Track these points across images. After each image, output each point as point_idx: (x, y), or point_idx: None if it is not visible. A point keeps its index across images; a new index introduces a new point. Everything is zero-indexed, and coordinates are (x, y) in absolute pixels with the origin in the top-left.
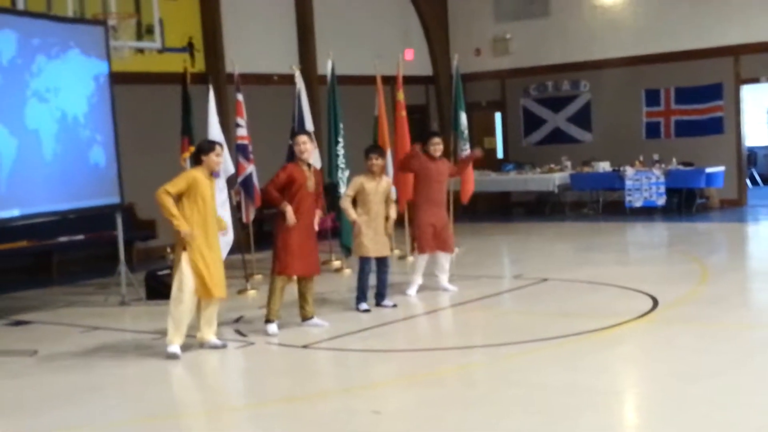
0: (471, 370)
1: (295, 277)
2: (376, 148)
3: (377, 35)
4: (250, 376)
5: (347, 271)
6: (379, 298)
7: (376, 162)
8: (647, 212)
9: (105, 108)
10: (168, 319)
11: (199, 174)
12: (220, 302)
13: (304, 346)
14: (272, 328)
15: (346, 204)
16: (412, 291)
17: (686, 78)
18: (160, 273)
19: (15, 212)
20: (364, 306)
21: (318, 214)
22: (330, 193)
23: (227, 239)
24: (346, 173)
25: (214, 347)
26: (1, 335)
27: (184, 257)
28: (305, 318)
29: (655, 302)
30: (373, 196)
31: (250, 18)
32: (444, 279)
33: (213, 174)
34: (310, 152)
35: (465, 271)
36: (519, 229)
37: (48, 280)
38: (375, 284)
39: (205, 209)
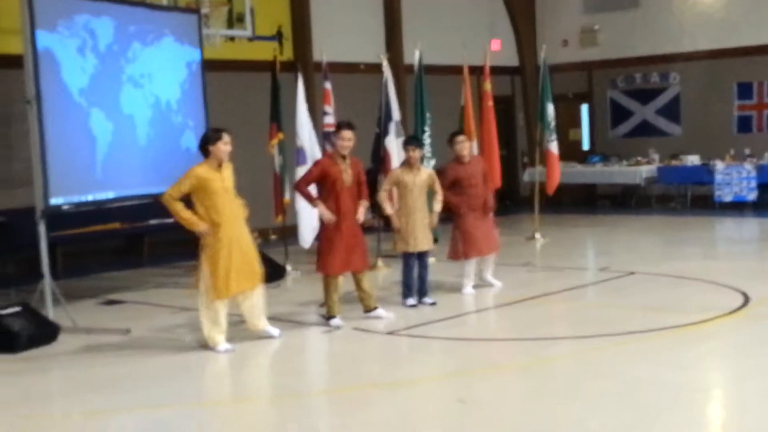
0: (556, 361)
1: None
2: (413, 140)
3: (464, 25)
4: (335, 361)
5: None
6: (419, 294)
7: (413, 154)
8: (737, 207)
9: (197, 94)
10: (203, 322)
11: (202, 170)
12: (258, 291)
13: (390, 333)
14: (335, 321)
15: (382, 198)
16: (469, 290)
17: None
18: None
19: (110, 194)
20: (410, 301)
21: (363, 205)
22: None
23: (313, 225)
24: (432, 162)
25: (268, 334)
26: (95, 314)
27: (204, 258)
28: (367, 310)
29: (746, 298)
30: (410, 189)
31: (339, 7)
32: (488, 272)
33: (298, 161)
34: (349, 149)
35: (549, 263)
36: (604, 222)
37: (139, 262)
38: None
39: (217, 203)
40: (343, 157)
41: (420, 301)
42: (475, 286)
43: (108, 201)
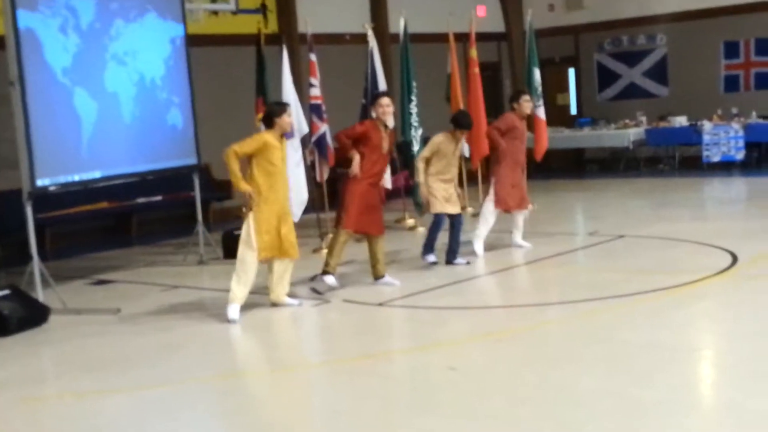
0: (548, 327)
1: (362, 237)
2: (466, 117)
3: None
4: (326, 334)
5: (420, 230)
6: (451, 255)
7: (461, 136)
8: (725, 167)
9: (181, 70)
10: (233, 276)
11: (270, 138)
12: (292, 263)
13: (380, 304)
14: (330, 279)
15: (420, 165)
16: (479, 247)
17: (767, 29)
18: (237, 232)
19: (96, 174)
20: (431, 258)
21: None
22: (403, 151)
23: (302, 198)
24: (419, 131)
25: (290, 305)
26: (85, 294)
27: (251, 217)
28: (377, 277)
29: (735, 258)
30: (450, 157)
31: None
32: (518, 236)
33: (286, 135)
34: (391, 114)
35: (539, 228)
36: (593, 186)
37: (128, 240)
38: (447, 242)
39: (274, 172)
40: (385, 126)
41: (453, 262)
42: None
43: (95, 180)
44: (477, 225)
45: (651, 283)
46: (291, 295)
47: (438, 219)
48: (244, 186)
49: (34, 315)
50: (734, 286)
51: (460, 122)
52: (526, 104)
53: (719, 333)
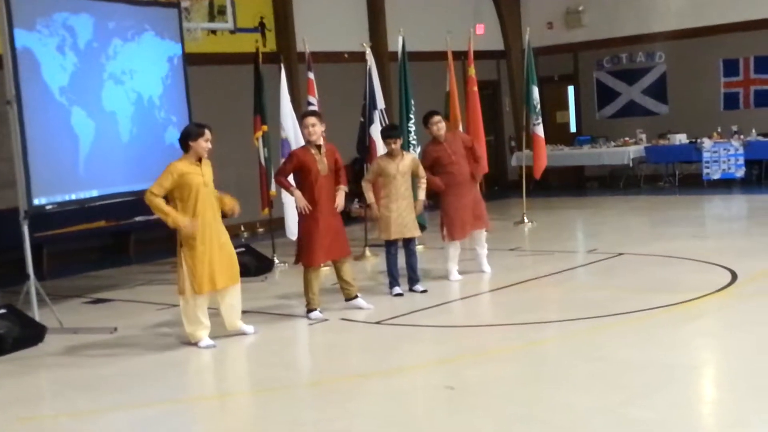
0: (546, 345)
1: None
2: (390, 131)
3: (448, 10)
4: (323, 352)
5: (419, 248)
6: (410, 282)
7: (394, 146)
8: (726, 184)
9: (179, 89)
10: (183, 317)
11: (182, 164)
12: (237, 288)
13: (378, 322)
14: (315, 314)
15: (365, 187)
16: (455, 276)
17: (766, 46)
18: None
19: (93, 193)
20: (397, 290)
21: (341, 191)
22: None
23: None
24: (418, 149)
25: (244, 333)
26: (82, 313)
27: (183, 255)
28: (348, 298)
29: (734, 276)
30: (394, 177)
31: None
32: (482, 255)
33: (283, 152)
34: (318, 134)
35: (538, 246)
36: (593, 204)
37: (125, 259)
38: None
39: (196, 199)
40: (318, 147)
41: (411, 289)
42: (465, 272)
43: (92, 199)
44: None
45: (650, 301)
46: (282, 313)
47: (388, 248)
48: (182, 219)
49: (30, 334)
50: (734, 304)
51: (385, 134)
52: (434, 126)
53: (718, 351)
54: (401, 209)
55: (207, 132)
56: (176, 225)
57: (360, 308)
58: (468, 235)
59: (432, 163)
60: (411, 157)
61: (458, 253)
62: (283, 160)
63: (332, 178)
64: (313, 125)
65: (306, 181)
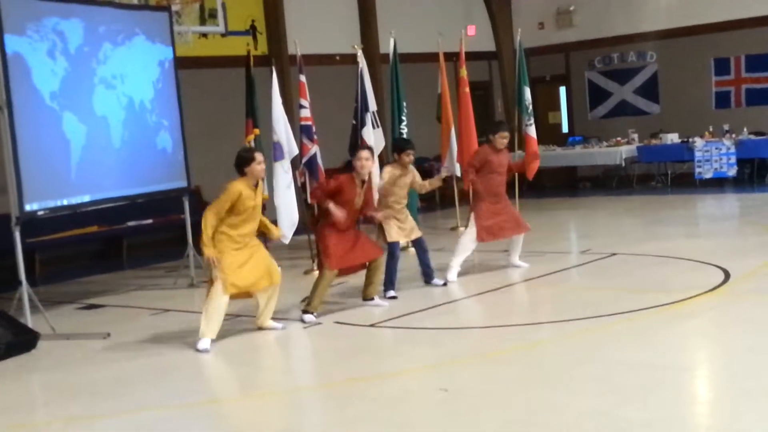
0: (540, 347)
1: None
2: (408, 143)
3: (439, 12)
4: (318, 356)
5: (411, 251)
6: (427, 278)
7: (409, 159)
8: (718, 184)
9: (171, 93)
10: (202, 314)
11: (242, 186)
12: (276, 288)
13: (372, 325)
14: (309, 317)
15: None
16: (453, 276)
17: (757, 45)
18: None
19: (85, 198)
20: (390, 293)
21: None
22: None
23: (292, 220)
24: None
25: (274, 329)
26: (74, 319)
27: (216, 257)
28: (367, 297)
29: (727, 275)
30: (402, 186)
31: None
32: (515, 256)
33: (275, 156)
34: (369, 169)
35: (532, 247)
36: (586, 204)
37: (118, 264)
38: (420, 267)
39: (246, 220)
40: (362, 182)
41: (430, 283)
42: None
43: (84, 204)
44: (454, 254)
45: (643, 301)
46: (275, 317)
47: (392, 249)
48: (210, 251)
49: (22, 340)
50: (727, 303)
51: (405, 146)
52: (500, 140)
53: (712, 351)
54: (406, 214)
55: (258, 155)
56: (204, 250)
57: (378, 306)
58: (497, 238)
59: (482, 164)
60: (414, 171)
61: (464, 256)
62: (278, 164)
63: (357, 213)
64: (367, 159)
65: (338, 205)
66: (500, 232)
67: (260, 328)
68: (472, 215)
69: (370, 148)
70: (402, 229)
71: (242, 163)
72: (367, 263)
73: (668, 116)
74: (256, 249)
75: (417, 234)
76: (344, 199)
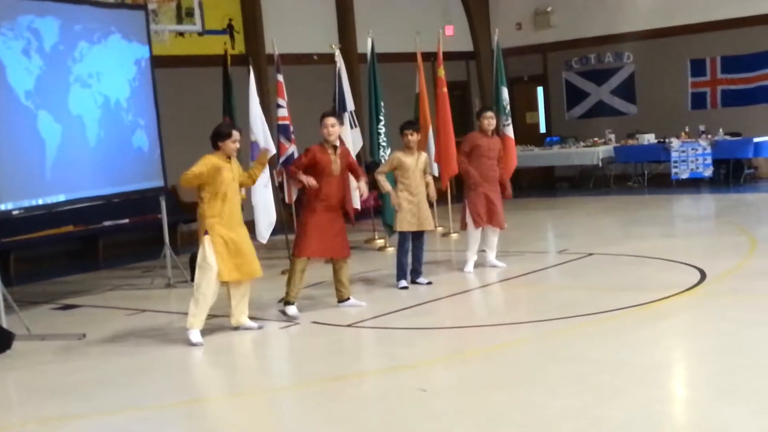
0: (517, 346)
1: (323, 260)
2: (411, 123)
3: (417, 12)
4: (295, 356)
5: (390, 250)
6: (414, 274)
7: (412, 138)
8: (694, 184)
9: (147, 92)
10: (191, 302)
11: (216, 159)
12: (249, 283)
13: (349, 325)
14: (292, 309)
15: (381, 177)
16: (469, 268)
17: (733, 47)
18: None
19: (61, 197)
20: (402, 283)
21: (361, 188)
22: (372, 171)
23: (270, 220)
24: (388, 151)
25: (249, 329)
26: (49, 319)
27: (206, 240)
28: (341, 300)
29: (703, 275)
30: (412, 171)
31: None
32: (492, 255)
33: (252, 155)
34: (336, 135)
35: (509, 247)
36: (563, 204)
37: (94, 264)
38: (411, 261)
39: (226, 192)
40: (334, 147)
41: (415, 282)
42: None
43: (59, 204)
44: (467, 248)
45: (620, 300)
46: (252, 317)
47: (402, 239)
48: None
49: None
50: (702, 303)
51: (405, 125)
52: (485, 121)
53: (688, 350)
54: (420, 202)
55: (235, 134)
56: (196, 180)
57: (354, 306)
58: (484, 227)
59: (471, 149)
60: (425, 156)
61: (477, 242)
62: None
63: (341, 180)
64: (333, 125)
65: (317, 179)
66: (494, 218)
67: (237, 328)
68: (466, 207)
69: (336, 115)
70: (413, 219)
71: (218, 137)
72: (332, 262)
73: (645, 117)
74: (243, 237)
75: (429, 227)
76: (320, 169)
